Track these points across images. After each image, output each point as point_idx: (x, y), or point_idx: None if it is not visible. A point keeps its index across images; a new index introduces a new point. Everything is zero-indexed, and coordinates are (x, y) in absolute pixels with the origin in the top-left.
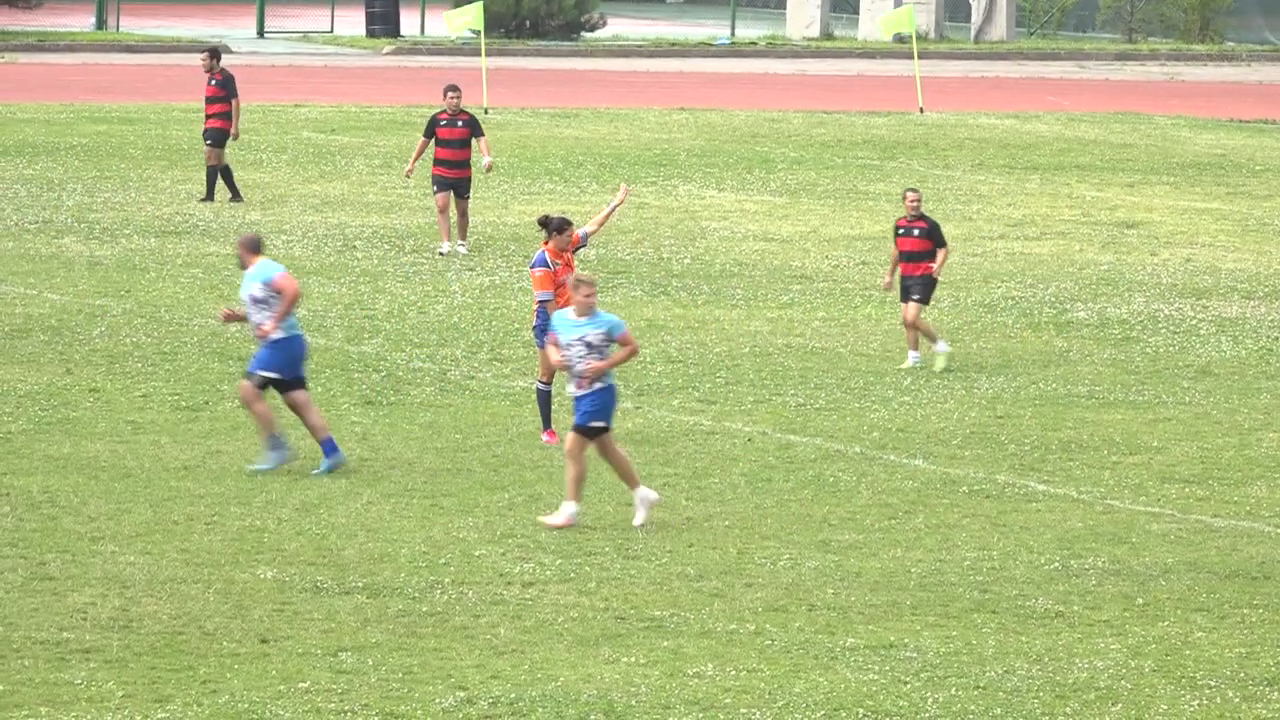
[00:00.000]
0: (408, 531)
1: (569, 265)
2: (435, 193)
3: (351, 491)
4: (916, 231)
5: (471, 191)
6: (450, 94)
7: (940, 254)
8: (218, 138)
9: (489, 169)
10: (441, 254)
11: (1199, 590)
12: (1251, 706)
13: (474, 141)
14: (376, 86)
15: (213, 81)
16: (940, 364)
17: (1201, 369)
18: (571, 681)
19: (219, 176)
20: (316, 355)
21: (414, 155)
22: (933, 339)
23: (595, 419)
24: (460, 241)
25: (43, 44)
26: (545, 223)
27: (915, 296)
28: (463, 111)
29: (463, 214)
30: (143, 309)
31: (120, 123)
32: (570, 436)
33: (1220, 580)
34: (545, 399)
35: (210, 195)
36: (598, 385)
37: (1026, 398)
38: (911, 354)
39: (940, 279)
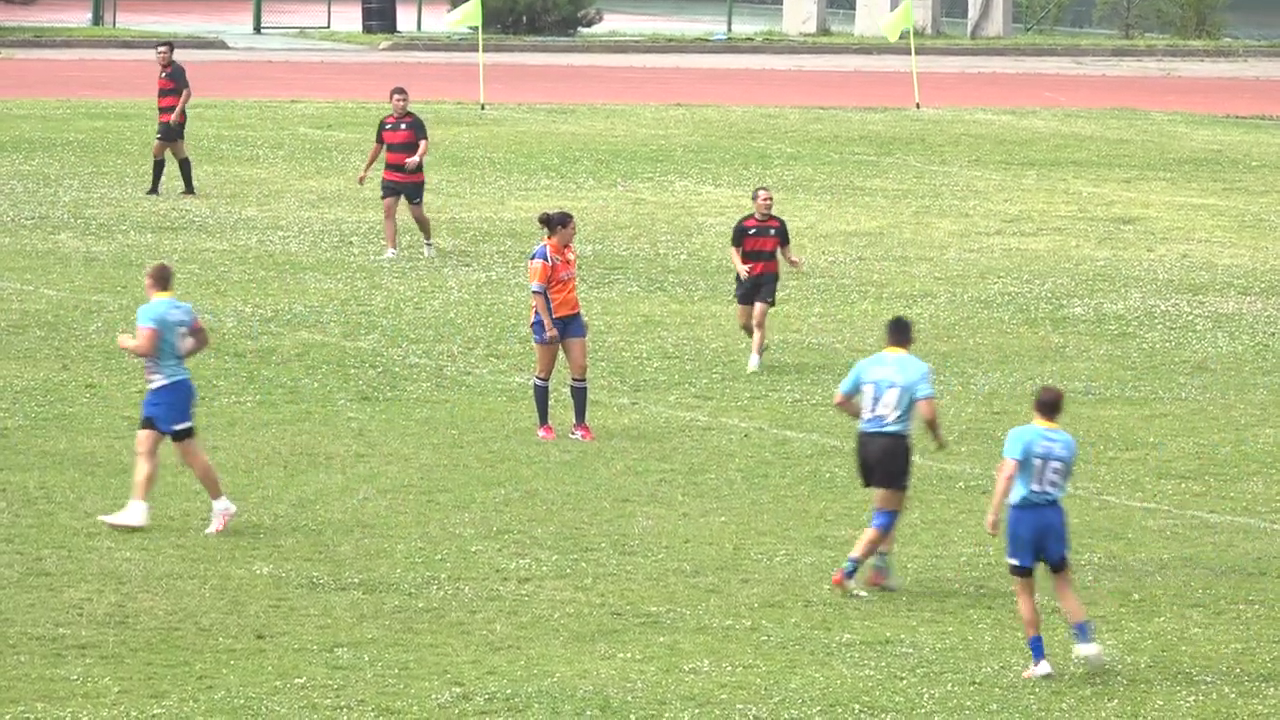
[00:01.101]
0: (404, 527)
1: (569, 262)
2: (382, 197)
3: (348, 487)
4: (771, 231)
5: (424, 195)
6: (396, 96)
7: (786, 251)
8: (173, 131)
9: (413, 167)
10: (388, 258)
11: (1195, 586)
12: (1248, 702)
13: (420, 144)
14: (373, 82)
15: (164, 74)
16: (751, 368)
17: (1198, 365)
18: (567, 677)
19: (182, 168)
20: (313, 351)
21: (367, 161)
22: (759, 348)
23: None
24: (426, 243)
25: (39, 40)
26: (546, 220)
27: (767, 299)
28: (408, 114)
29: (418, 219)
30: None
31: (117, 118)
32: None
33: (1216, 576)
34: (542, 395)
35: (189, 188)
36: (163, 380)
37: (1023, 394)
38: (753, 357)
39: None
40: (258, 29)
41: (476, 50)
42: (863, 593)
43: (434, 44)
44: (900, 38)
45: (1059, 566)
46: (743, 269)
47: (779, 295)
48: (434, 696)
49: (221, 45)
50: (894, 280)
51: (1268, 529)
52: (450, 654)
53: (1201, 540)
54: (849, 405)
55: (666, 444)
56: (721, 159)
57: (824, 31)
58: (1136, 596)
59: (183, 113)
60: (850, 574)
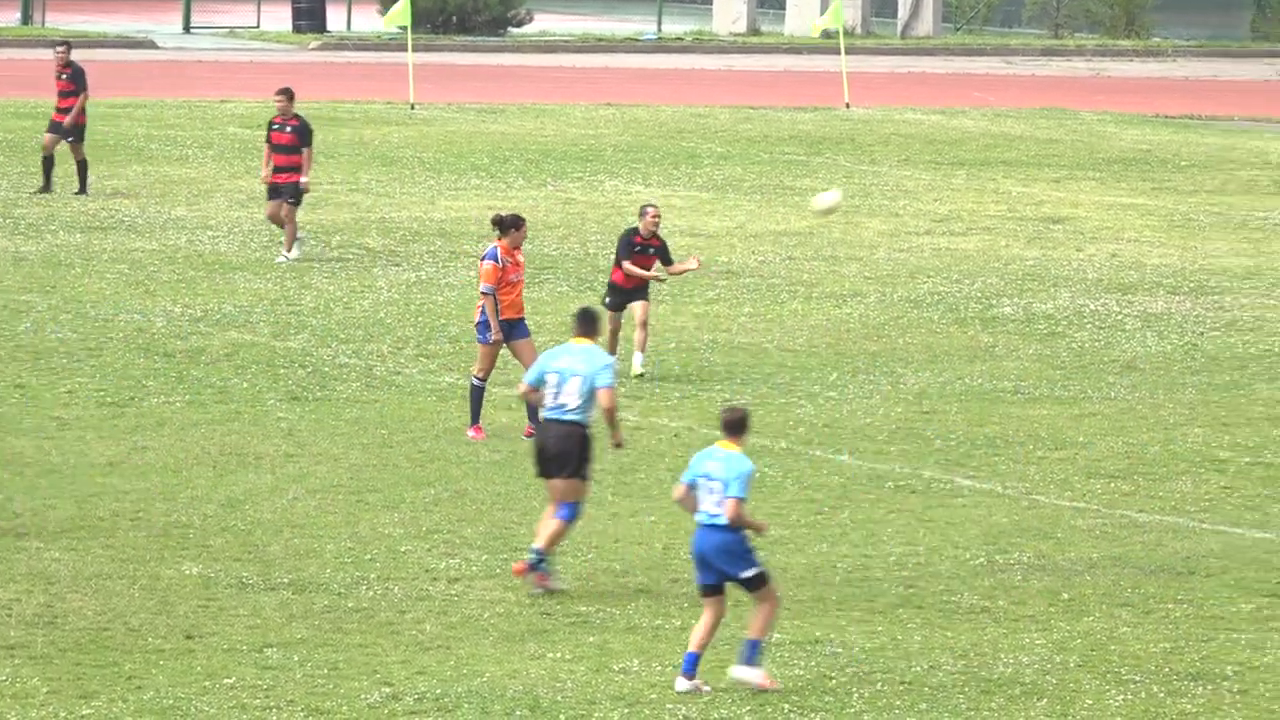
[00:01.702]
0: (333, 527)
1: (518, 264)
2: (268, 199)
3: (277, 487)
4: (652, 250)
5: (301, 199)
6: (278, 98)
7: (671, 268)
8: (72, 132)
9: (305, 190)
10: (281, 261)
11: (1124, 585)
12: (1176, 701)
13: (303, 151)
14: (302, 82)
15: (64, 75)
16: (637, 370)
17: (1127, 364)
18: (497, 677)
19: (80, 169)
20: (242, 351)
21: (264, 163)
22: (642, 346)
23: None
24: (284, 251)
25: None
26: (499, 222)
27: (647, 299)
28: (294, 116)
29: (286, 219)
30: (68, 305)
31: (45, 118)
32: None
33: (1145, 575)
34: (478, 395)
35: (83, 188)
36: None
37: (952, 393)
38: (638, 355)
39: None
40: (187, 29)
41: (406, 50)
42: (561, 584)
43: (364, 44)
44: (826, 36)
45: (749, 588)
46: (641, 272)
47: (709, 295)
48: (363, 696)
49: (151, 45)
50: (823, 280)
51: (1196, 528)
52: (380, 654)
53: (1130, 539)
54: (534, 396)
55: (597, 443)
56: (651, 159)
57: (754, 31)
58: (1065, 596)
59: (82, 113)
60: (534, 566)
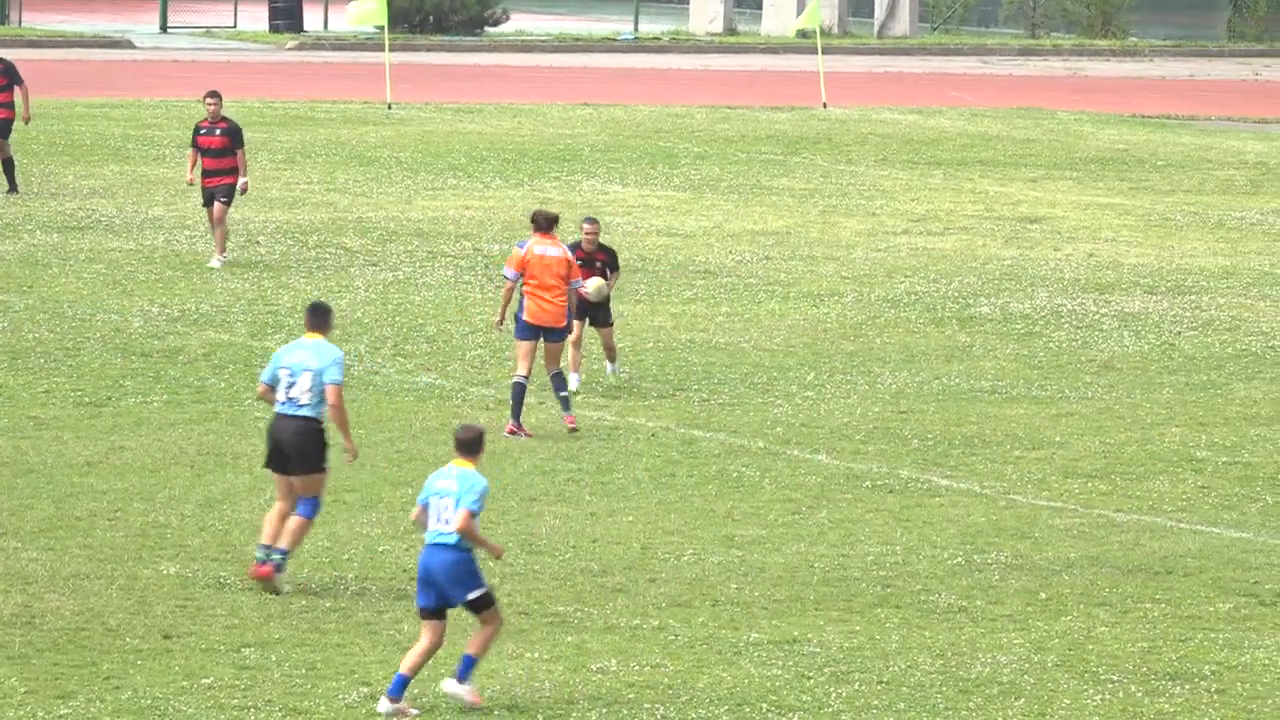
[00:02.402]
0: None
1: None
2: (204, 204)
3: (255, 487)
4: (597, 264)
5: (234, 201)
6: (209, 100)
7: (612, 278)
8: (2, 128)
9: (243, 191)
10: (215, 265)
11: (1101, 585)
12: (1154, 700)
13: (237, 153)
14: (280, 82)
15: None
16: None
17: (1104, 364)
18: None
19: (4, 166)
20: (220, 350)
21: (189, 165)
22: (576, 366)
23: None
24: (216, 255)
25: None
26: (541, 218)
27: (607, 321)
28: (223, 119)
29: (219, 221)
30: (45, 305)
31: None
32: None
33: (1123, 575)
34: (520, 392)
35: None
36: None
37: (930, 393)
38: (573, 375)
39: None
40: (164, 28)
41: (383, 50)
42: (287, 586)
43: (341, 43)
44: (803, 37)
45: (469, 609)
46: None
47: (686, 294)
48: (341, 696)
49: (128, 45)
50: (801, 280)
51: (1174, 528)
52: (358, 654)
53: (1108, 539)
54: (269, 394)
55: (574, 444)
56: (628, 158)
57: (731, 31)
58: (1043, 595)
59: (10, 109)
60: (280, 567)
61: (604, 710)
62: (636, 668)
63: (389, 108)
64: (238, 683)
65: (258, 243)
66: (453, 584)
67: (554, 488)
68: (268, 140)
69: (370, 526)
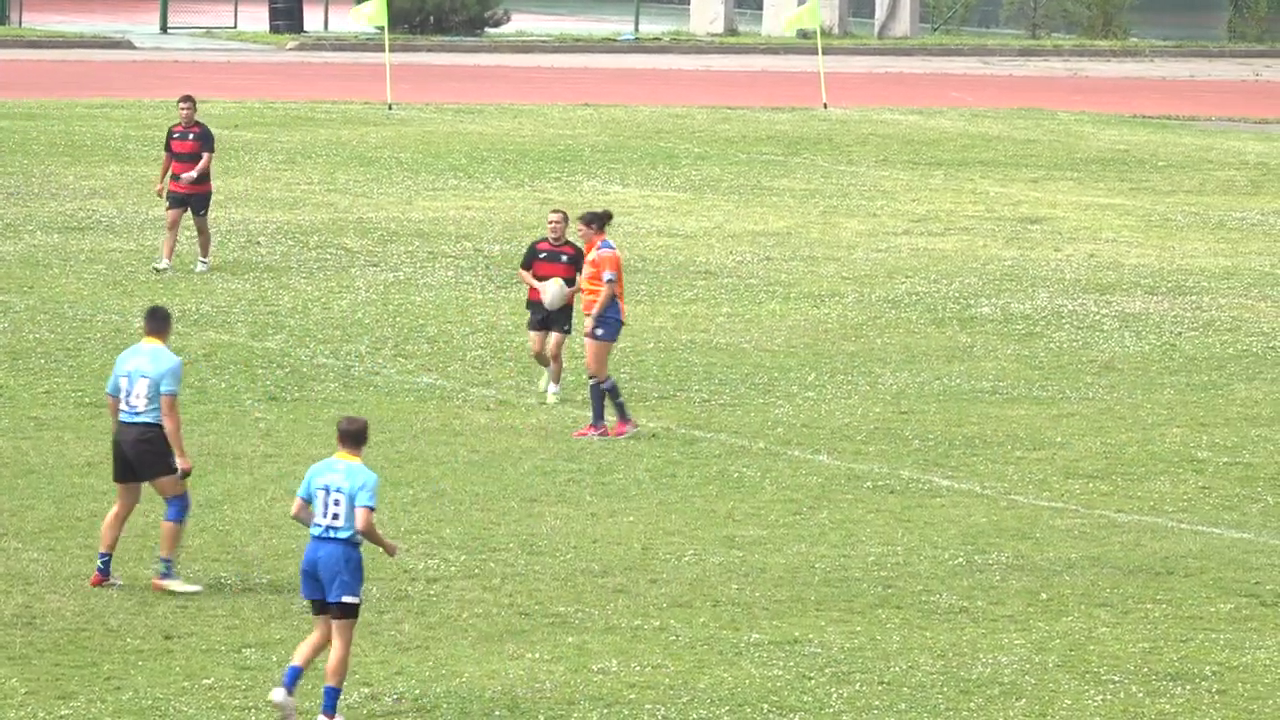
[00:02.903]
0: None
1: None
2: (168, 208)
3: (255, 488)
4: (564, 258)
5: (209, 208)
6: (182, 105)
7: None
8: None
9: (190, 180)
10: (158, 270)
11: (1102, 585)
12: (1155, 701)
13: (205, 156)
14: (280, 82)
15: None
16: (551, 401)
17: (1105, 364)
18: (476, 678)
19: None
20: (220, 351)
21: (161, 172)
22: (557, 379)
23: None
24: (201, 259)
25: None
26: (599, 217)
27: (563, 327)
28: (196, 124)
29: (201, 231)
30: (45, 305)
31: (23, 118)
32: None
33: (1124, 575)
34: (601, 394)
35: None
36: None
37: (931, 393)
38: (552, 386)
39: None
40: (164, 29)
41: (383, 50)
42: (190, 587)
43: (341, 44)
44: (802, 36)
45: (337, 613)
46: (537, 284)
47: (687, 295)
48: (342, 697)
49: (128, 45)
50: (801, 280)
51: (1175, 528)
52: (358, 654)
53: (1109, 540)
54: (115, 405)
55: (575, 444)
56: (629, 159)
57: (731, 32)
58: (1044, 596)
59: None
60: (165, 575)
61: (605, 711)
62: (637, 668)
63: (389, 108)
64: (239, 683)
65: (258, 243)
66: (335, 580)
67: (555, 488)
68: (268, 141)
69: None
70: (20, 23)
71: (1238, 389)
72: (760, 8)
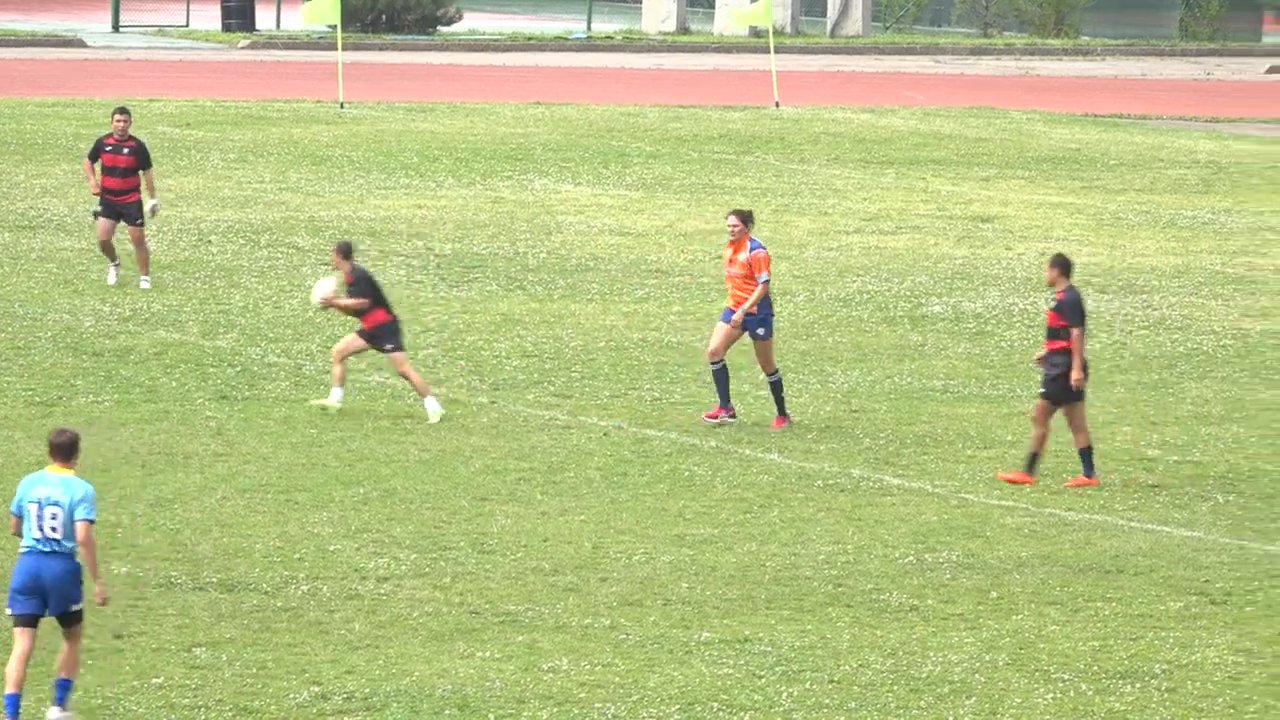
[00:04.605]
0: (262, 527)
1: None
2: (97, 220)
3: (206, 487)
4: (126, 150)
5: (146, 219)
6: (118, 117)
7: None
8: None
9: (153, 213)
10: (111, 281)
11: (1052, 584)
12: (1105, 699)
13: (141, 174)
14: (232, 81)
15: None
16: (435, 419)
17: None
18: (426, 676)
19: None
20: (171, 350)
21: (86, 174)
22: (424, 392)
23: None
24: (143, 276)
25: None
26: (750, 217)
27: (388, 346)
28: (130, 138)
29: (139, 243)
30: None
31: None
32: None
33: (1074, 574)
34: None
35: None
36: None
37: (881, 391)
38: (336, 390)
39: None
40: (116, 27)
41: (335, 49)
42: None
43: (293, 42)
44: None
45: (68, 622)
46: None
47: (639, 293)
48: (292, 696)
49: (80, 44)
50: None
51: (1125, 527)
52: (308, 653)
53: (1059, 538)
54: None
55: (525, 442)
56: (581, 157)
57: (683, 30)
58: (994, 594)
59: None
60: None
61: (555, 709)
62: (588, 667)
63: (341, 107)
64: (188, 682)
65: (210, 242)
66: (62, 593)
67: (505, 487)
68: (220, 139)
69: (321, 526)
70: None
71: (1188, 387)
72: (712, 6)
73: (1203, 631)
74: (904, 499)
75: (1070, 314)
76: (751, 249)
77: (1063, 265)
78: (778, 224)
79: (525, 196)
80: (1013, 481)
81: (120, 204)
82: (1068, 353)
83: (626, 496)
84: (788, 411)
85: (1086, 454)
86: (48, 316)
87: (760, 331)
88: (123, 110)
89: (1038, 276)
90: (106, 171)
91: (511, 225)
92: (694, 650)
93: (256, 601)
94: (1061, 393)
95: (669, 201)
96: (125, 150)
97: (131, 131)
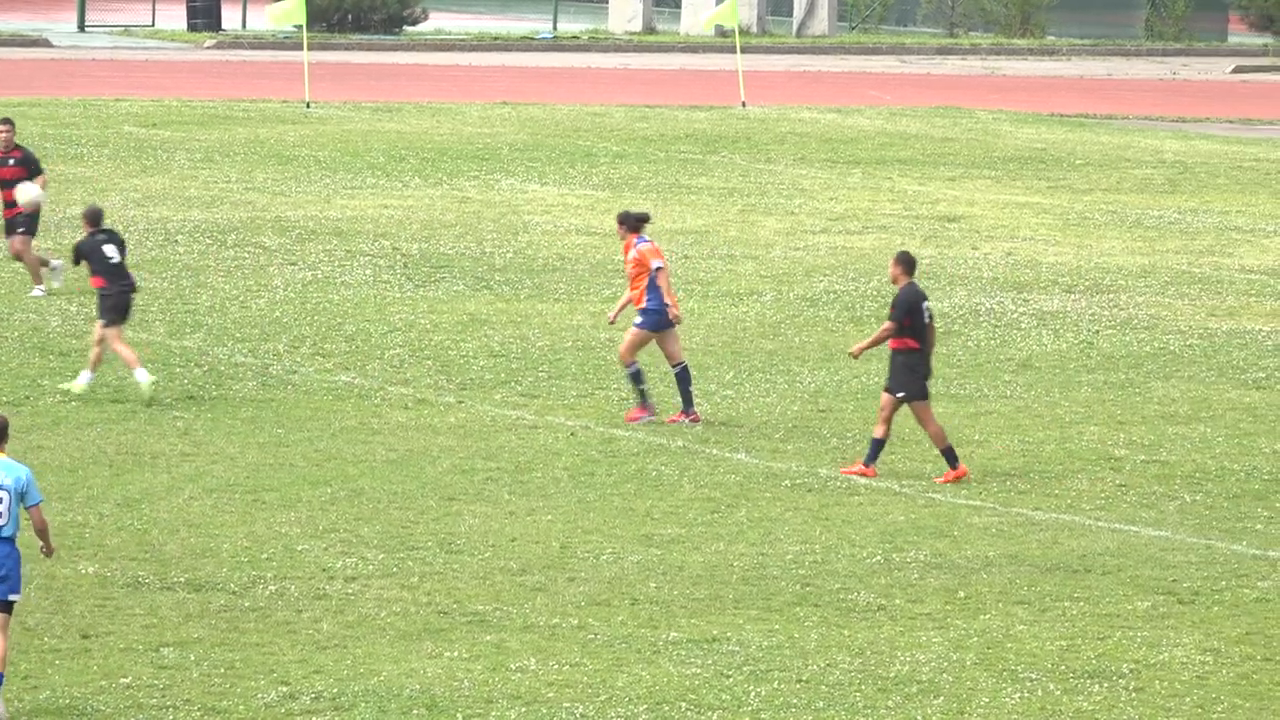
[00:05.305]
0: (229, 527)
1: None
2: (6, 235)
3: (173, 487)
4: (12, 161)
5: (38, 231)
6: (2, 127)
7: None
8: None
9: (33, 209)
10: (48, 292)
11: (1020, 583)
12: (1072, 699)
13: (37, 179)
14: (198, 80)
15: None
16: (147, 393)
17: (1022, 362)
18: (394, 676)
19: None
20: (137, 350)
21: None
22: (134, 364)
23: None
24: (35, 284)
25: None
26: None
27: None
28: (17, 147)
29: (26, 250)
30: None
31: None
32: None
33: (1041, 573)
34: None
35: None
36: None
37: (849, 391)
38: (85, 374)
39: None
40: (82, 27)
41: (302, 48)
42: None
43: (259, 42)
44: (720, 34)
45: (4, 609)
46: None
47: (605, 293)
48: (260, 696)
49: (45, 43)
50: (720, 278)
51: (1092, 526)
52: (276, 653)
53: (1027, 537)
54: None
55: (493, 442)
56: (547, 157)
57: (649, 30)
58: (962, 594)
59: None
60: None
61: (523, 709)
62: (555, 666)
63: (307, 106)
64: (156, 682)
65: (176, 242)
66: (12, 580)
67: (473, 486)
68: (185, 139)
69: (289, 526)
70: None
71: (1155, 387)
72: (678, 6)
73: (1170, 631)
74: (871, 498)
75: (895, 309)
76: (639, 244)
77: (906, 262)
78: (744, 224)
79: (492, 196)
80: (855, 474)
81: (10, 217)
82: (910, 350)
83: (594, 496)
84: (652, 402)
85: (878, 445)
86: (14, 316)
87: (638, 320)
88: (6, 121)
89: (1004, 276)
90: None
91: (478, 225)
92: (662, 650)
93: (224, 601)
94: (898, 386)
95: (635, 201)
96: (11, 161)
97: (2, 148)
